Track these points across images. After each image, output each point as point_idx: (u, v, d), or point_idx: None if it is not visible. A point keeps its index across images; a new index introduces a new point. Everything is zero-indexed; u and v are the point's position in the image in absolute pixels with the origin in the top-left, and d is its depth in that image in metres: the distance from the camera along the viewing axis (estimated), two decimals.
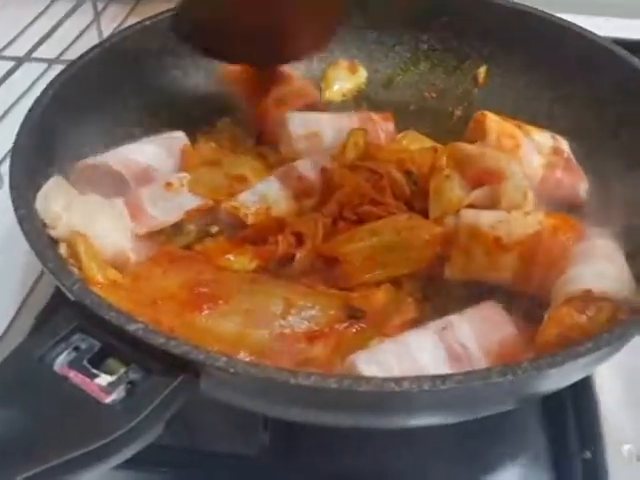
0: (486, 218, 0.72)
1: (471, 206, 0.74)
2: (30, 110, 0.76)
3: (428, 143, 0.87)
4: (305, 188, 0.81)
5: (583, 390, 0.73)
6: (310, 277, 0.74)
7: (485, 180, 0.75)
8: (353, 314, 0.69)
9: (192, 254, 0.76)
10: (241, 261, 0.75)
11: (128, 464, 0.67)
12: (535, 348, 0.62)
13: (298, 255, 0.74)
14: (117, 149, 0.83)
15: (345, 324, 0.68)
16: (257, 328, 0.67)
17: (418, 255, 0.73)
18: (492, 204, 0.73)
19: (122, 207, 0.78)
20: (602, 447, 0.70)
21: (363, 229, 0.75)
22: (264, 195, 0.80)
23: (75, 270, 0.67)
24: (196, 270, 0.72)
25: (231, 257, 0.75)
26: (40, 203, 0.70)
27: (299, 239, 0.75)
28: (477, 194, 0.75)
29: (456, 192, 0.75)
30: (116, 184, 0.80)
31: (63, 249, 0.69)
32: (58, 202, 0.71)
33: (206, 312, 0.67)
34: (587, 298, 0.63)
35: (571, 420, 0.72)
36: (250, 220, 0.77)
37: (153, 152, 0.85)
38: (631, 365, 0.77)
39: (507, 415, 0.68)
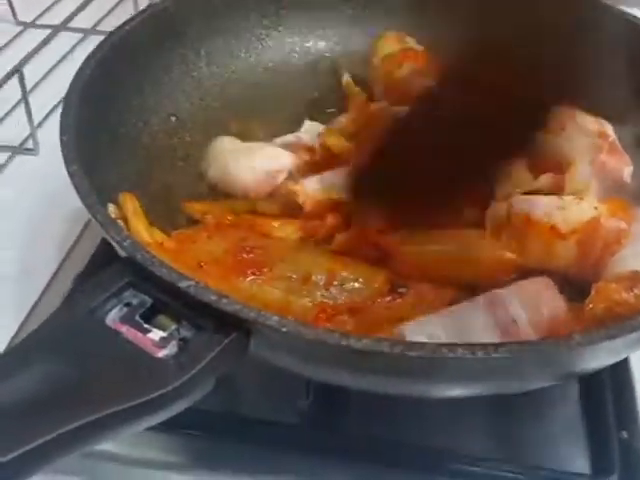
0: (540, 205, 0.71)
1: (533, 192, 0.73)
2: (79, 71, 0.75)
3: None
4: None
5: (621, 370, 0.73)
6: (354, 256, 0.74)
7: (549, 168, 0.75)
8: (396, 289, 0.70)
9: (239, 220, 0.77)
10: (285, 230, 0.75)
11: (165, 427, 0.68)
12: (582, 321, 0.62)
13: (338, 237, 0.74)
14: None
15: (388, 298, 0.69)
16: (300, 296, 0.67)
17: (477, 273, 0.72)
18: (556, 192, 0.73)
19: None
20: (639, 428, 0.70)
21: (430, 233, 0.74)
22: (331, 185, 0.78)
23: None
24: (241, 237, 0.72)
25: (275, 225, 0.75)
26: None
27: (347, 222, 0.75)
28: (543, 180, 0.74)
29: (523, 175, 0.75)
30: None
31: (112, 209, 0.70)
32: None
33: (250, 278, 0.67)
34: (636, 278, 0.63)
35: (609, 400, 0.72)
36: (308, 207, 0.77)
37: None
38: None
39: (544, 393, 0.68)
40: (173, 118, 0.90)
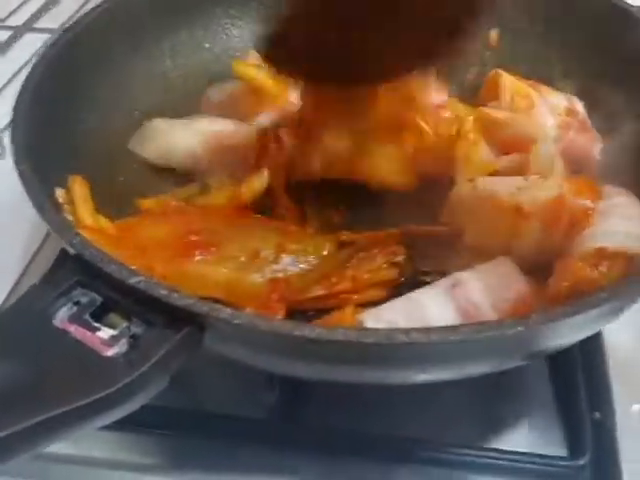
0: (504, 185, 0.70)
1: (496, 173, 0.72)
2: (33, 68, 0.74)
3: None
4: None
5: (593, 350, 0.72)
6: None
7: (513, 147, 0.74)
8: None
9: (184, 206, 0.76)
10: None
11: (129, 426, 0.68)
12: (546, 301, 0.61)
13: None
14: None
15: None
16: (249, 273, 0.67)
17: None
18: (520, 172, 0.72)
19: None
20: (612, 408, 0.69)
21: None
22: None
23: (68, 216, 0.67)
24: (186, 221, 0.72)
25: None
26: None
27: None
28: (505, 161, 0.73)
29: (484, 158, 0.74)
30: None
31: (59, 193, 0.69)
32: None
33: (198, 258, 0.66)
34: (601, 255, 0.62)
35: (581, 380, 0.71)
36: None
37: None
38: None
39: (516, 374, 0.67)
40: (136, 112, 0.88)
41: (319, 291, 0.66)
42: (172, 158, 0.81)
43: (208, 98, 0.88)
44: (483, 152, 0.74)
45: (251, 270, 0.66)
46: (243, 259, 0.67)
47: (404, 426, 0.68)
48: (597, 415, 0.69)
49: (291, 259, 0.67)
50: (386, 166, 0.73)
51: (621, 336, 0.74)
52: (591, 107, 0.84)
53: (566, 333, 0.55)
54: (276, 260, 0.67)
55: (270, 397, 0.69)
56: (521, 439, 0.69)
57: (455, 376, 0.59)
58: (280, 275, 0.66)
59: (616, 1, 0.86)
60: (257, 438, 0.69)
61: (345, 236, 0.71)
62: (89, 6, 1.23)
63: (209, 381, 0.72)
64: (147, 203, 0.77)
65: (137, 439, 0.69)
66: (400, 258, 0.70)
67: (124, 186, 0.81)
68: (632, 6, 0.85)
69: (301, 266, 0.67)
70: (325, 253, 0.69)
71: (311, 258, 0.68)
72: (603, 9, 0.86)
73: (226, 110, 0.87)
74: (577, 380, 0.71)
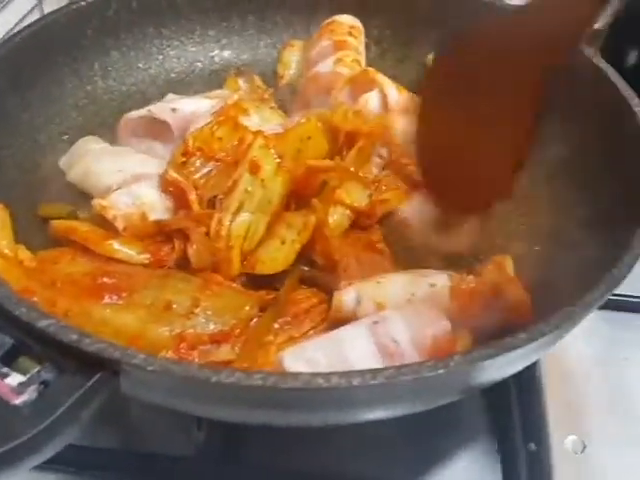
0: None
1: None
2: None
3: None
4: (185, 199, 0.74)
5: (527, 382, 0.72)
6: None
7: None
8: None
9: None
10: (128, 252, 0.71)
11: (59, 467, 0.66)
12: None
13: (190, 251, 0.71)
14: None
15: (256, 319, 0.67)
16: (157, 325, 0.64)
17: None
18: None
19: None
20: (546, 439, 0.69)
21: None
22: (139, 197, 0.74)
23: None
24: (108, 261, 0.69)
25: (115, 244, 0.71)
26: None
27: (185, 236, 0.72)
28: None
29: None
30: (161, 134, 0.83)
31: None
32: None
33: (106, 301, 0.64)
34: None
35: (515, 412, 0.71)
36: (120, 223, 0.72)
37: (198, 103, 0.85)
38: (575, 355, 0.75)
39: (451, 408, 0.66)
40: (65, 137, 0.86)
41: (230, 355, 0.63)
42: (92, 188, 0.78)
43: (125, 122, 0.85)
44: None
45: (160, 322, 0.63)
46: (153, 309, 0.64)
47: (340, 464, 0.67)
48: (532, 446, 0.68)
49: (204, 317, 0.64)
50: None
51: (556, 368, 0.74)
52: None
53: (488, 372, 0.55)
54: (188, 315, 0.64)
55: (199, 435, 0.67)
56: (458, 472, 0.69)
57: (381, 416, 0.57)
58: (190, 331, 0.63)
59: None
60: (186, 477, 0.67)
61: (269, 296, 0.69)
62: (27, 20, 1.24)
63: (138, 420, 0.70)
64: (57, 226, 0.73)
65: (65, 479, 0.67)
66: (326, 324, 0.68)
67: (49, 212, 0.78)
68: None
69: (213, 326, 0.64)
70: (244, 315, 0.66)
71: (227, 317, 0.65)
72: None
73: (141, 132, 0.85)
74: (512, 412, 0.70)
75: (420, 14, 0.95)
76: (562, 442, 0.70)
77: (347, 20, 0.95)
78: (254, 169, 0.73)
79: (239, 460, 0.68)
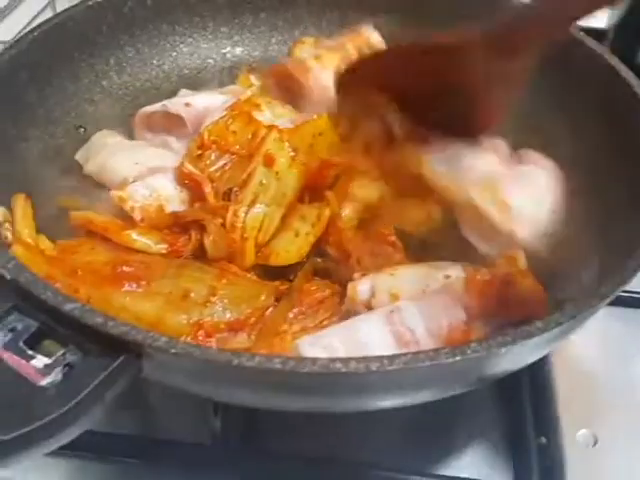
0: None
1: None
2: None
3: None
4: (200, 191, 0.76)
5: (539, 375, 0.73)
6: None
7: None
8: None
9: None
10: (147, 242, 0.72)
11: (76, 452, 0.67)
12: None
13: (206, 242, 0.72)
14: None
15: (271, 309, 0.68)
16: (176, 313, 0.65)
17: None
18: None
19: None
20: (558, 432, 0.70)
21: None
22: (156, 190, 0.76)
23: (8, 234, 0.67)
24: (126, 251, 0.70)
25: (133, 234, 0.72)
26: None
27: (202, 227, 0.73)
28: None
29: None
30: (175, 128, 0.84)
31: (0, 213, 0.68)
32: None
33: (126, 289, 0.65)
34: None
35: (527, 405, 0.71)
36: (137, 215, 0.74)
37: (211, 98, 0.86)
38: (587, 349, 0.76)
39: (463, 400, 0.67)
40: (81, 130, 0.87)
41: (246, 343, 0.64)
42: (108, 181, 0.80)
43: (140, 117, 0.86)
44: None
45: (178, 310, 0.64)
46: (172, 298, 0.65)
47: (353, 451, 0.68)
48: (543, 440, 0.69)
49: (222, 305, 0.65)
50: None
51: (568, 362, 0.74)
52: None
53: (504, 361, 0.55)
54: (205, 304, 0.65)
55: (215, 422, 0.68)
56: (469, 465, 0.70)
57: (397, 404, 0.58)
58: (207, 319, 0.64)
59: None
60: (202, 463, 0.68)
61: (284, 286, 0.70)
62: (40, 17, 1.25)
63: (155, 407, 0.71)
64: (76, 217, 0.74)
65: (83, 465, 0.69)
66: (341, 314, 0.68)
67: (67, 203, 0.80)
68: None
69: (229, 315, 0.65)
70: (259, 304, 0.67)
71: (243, 307, 0.66)
72: None
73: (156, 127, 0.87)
74: (524, 405, 0.71)
75: (431, 13, 0.96)
76: (574, 436, 0.71)
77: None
78: (269, 162, 0.74)
79: (254, 447, 0.69)
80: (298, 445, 0.69)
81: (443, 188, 0.73)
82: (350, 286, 0.68)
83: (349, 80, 0.81)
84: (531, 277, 0.67)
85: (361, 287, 0.67)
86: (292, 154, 0.75)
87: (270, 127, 0.78)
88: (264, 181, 0.74)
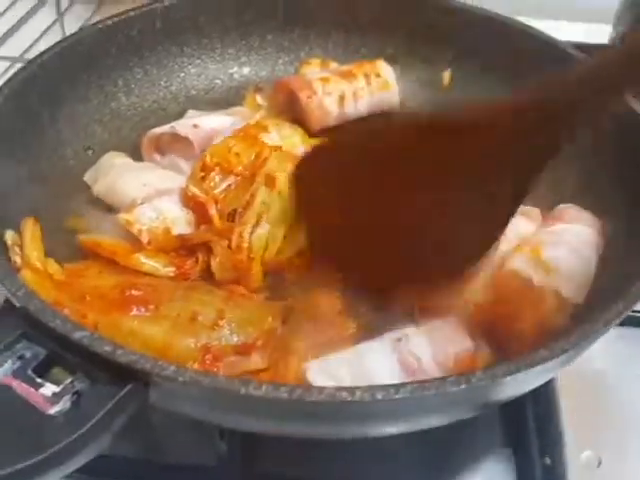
0: None
1: None
2: None
3: None
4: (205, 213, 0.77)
5: (544, 396, 0.72)
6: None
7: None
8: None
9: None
10: (154, 264, 0.73)
11: (83, 476, 0.66)
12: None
13: (213, 264, 0.73)
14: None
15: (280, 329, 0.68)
16: (184, 337, 0.65)
17: None
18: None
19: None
20: (562, 453, 0.69)
21: None
22: (162, 212, 0.76)
23: (17, 258, 0.67)
24: (133, 274, 0.71)
25: (141, 257, 0.73)
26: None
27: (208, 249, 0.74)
28: None
29: None
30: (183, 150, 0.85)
31: (9, 236, 0.69)
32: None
33: (134, 313, 0.66)
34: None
35: (531, 426, 0.72)
36: (144, 237, 0.74)
37: (219, 120, 0.88)
38: (592, 370, 0.76)
39: (467, 421, 0.67)
40: (90, 152, 0.88)
41: (259, 365, 0.64)
42: (117, 202, 0.81)
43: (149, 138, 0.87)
44: None
45: (186, 334, 0.65)
46: (180, 321, 0.66)
47: (358, 476, 0.68)
48: (548, 461, 0.69)
49: (229, 329, 0.66)
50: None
51: (572, 382, 0.74)
52: None
53: (509, 388, 0.56)
54: (213, 327, 0.66)
55: (222, 445, 0.68)
56: None
57: (401, 431, 0.59)
58: (215, 343, 0.65)
59: (559, 43, 0.88)
60: None
61: (290, 303, 0.70)
62: (50, 35, 1.27)
63: (162, 430, 0.71)
64: (85, 241, 0.75)
65: None
66: (351, 331, 0.68)
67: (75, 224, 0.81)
68: (575, 48, 0.86)
69: (237, 338, 0.65)
70: (266, 327, 0.67)
71: (250, 330, 0.66)
72: (547, 51, 0.88)
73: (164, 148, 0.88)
74: (528, 426, 0.71)
75: (437, 32, 0.97)
76: (578, 457, 0.71)
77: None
78: (270, 182, 0.76)
79: (259, 470, 0.69)
80: (304, 469, 0.69)
81: None
82: None
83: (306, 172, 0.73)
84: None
85: None
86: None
87: (273, 148, 0.79)
88: (267, 201, 0.75)
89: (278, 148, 0.81)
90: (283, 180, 0.76)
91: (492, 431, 0.73)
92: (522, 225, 0.72)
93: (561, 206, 0.75)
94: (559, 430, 0.71)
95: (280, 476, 0.69)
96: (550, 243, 0.69)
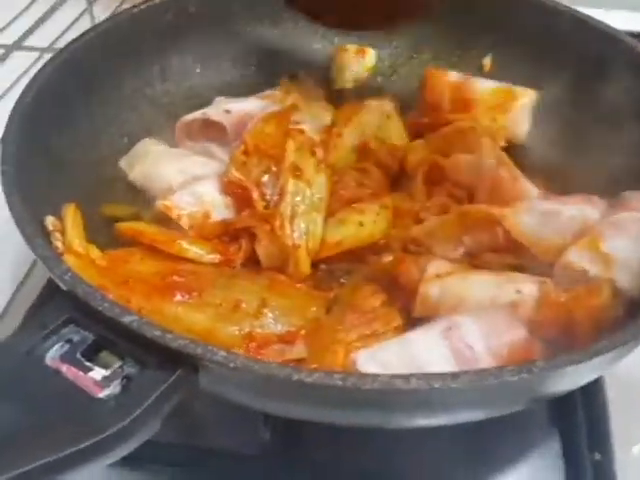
0: None
1: None
2: (21, 96, 0.73)
3: None
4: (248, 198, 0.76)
5: (593, 391, 0.71)
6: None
7: None
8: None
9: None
10: (198, 251, 0.72)
11: (125, 462, 0.64)
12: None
13: (258, 248, 0.72)
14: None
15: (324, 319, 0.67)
16: (227, 324, 0.65)
17: None
18: None
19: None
20: (612, 448, 0.68)
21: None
22: (201, 197, 0.76)
23: (59, 243, 0.66)
24: (175, 260, 0.70)
25: (184, 244, 0.71)
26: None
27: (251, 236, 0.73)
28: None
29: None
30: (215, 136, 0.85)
31: (50, 221, 0.67)
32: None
33: (177, 299, 0.65)
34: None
35: (581, 421, 0.70)
36: (185, 222, 0.73)
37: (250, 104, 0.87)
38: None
39: (517, 415, 0.66)
40: (125, 139, 0.87)
41: (303, 354, 0.64)
42: (153, 188, 0.80)
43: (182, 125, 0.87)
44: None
45: (229, 321, 0.64)
46: (223, 309, 0.65)
47: (401, 466, 0.67)
48: (597, 456, 0.67)
49: (273, 317, 0.65)
50: None
51: (622, 377, 0.73)
52: None
53: (569, 379, 0.54)
54: (257, 315, 0.65)
55: (265, 434, 0.67)
56: (521, 478, 0.68)
57: (453, 421, 0.57)
58: (258, 331, 0.64)
59: (600, 26, 0.86)
60: (251, 475, 0.67)
61: (334, 293, 0.70)
62: (78, 24, 1.26)
63: (206, 417, 0.70)
64: (124, 228, 0.74)
65: (131, 475, 0.68)
66: (396, 324, 0.67)
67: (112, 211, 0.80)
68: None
69: (281, 327, 0.65)
70: (310, 316, 0.66)
71: (294, 319, 0.65)
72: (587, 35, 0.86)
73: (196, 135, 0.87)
74: (577, 421, 0.70)
75: (475, 17, 0.95)
76: (628, 452, 0.69)
77: None
78: (296, 172, 0.75)
79: (301, 458, 0.68)
80: (347, 457, 0.68)
81: (532, 244, 0.70)
82: (421, 286, 0.67)
83: None
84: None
85: (432, 288, 0.66)
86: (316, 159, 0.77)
87: (293, 132, 0.78)
88: (298, 192, 0.75)
89: (295, 132, 0.79)
90: (309, 170, 0.75)
91: (540, 426, 0.71)
92: (588, 211, 0.70)
93: (626, 193, 0.73)
94: (608, 424, 0.69)
95: (324, 466, 0.68)
96: (610, 233, 0.67)
